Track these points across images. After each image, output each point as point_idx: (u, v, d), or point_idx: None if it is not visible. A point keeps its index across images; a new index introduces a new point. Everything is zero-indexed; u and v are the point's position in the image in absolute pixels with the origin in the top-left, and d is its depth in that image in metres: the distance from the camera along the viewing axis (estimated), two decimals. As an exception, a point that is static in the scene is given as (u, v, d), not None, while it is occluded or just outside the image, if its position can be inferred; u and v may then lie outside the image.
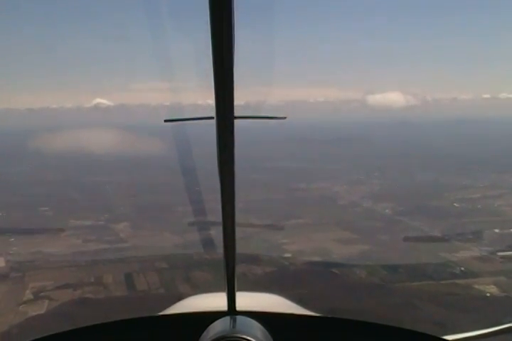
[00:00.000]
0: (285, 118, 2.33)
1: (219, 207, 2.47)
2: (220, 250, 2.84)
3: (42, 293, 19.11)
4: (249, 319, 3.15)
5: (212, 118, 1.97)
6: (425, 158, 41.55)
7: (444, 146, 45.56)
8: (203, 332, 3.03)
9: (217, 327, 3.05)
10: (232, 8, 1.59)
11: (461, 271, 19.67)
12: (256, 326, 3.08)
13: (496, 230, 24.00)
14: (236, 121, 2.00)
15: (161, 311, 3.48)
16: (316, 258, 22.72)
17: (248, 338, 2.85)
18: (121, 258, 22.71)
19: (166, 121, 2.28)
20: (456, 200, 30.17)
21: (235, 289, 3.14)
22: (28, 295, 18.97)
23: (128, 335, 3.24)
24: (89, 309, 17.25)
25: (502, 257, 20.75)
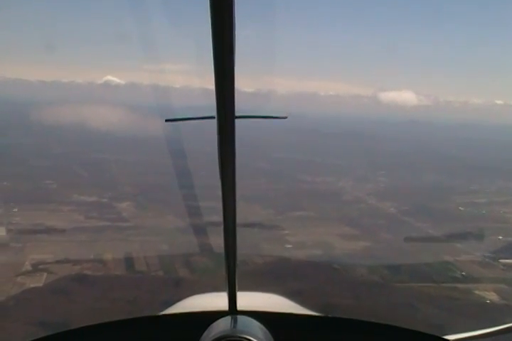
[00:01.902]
0: (286, 117, 2.33)
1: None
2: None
3: (41, 266, 19.16)
4: (250, 319, 3.16)
5: (213, 117, 1.95)
6: (433, 159, 41.37)
7: (453, 149, 45.39)
8: (203, 331, 3.04)
9: (218, 326, 3.06)
10: (233, 6, 1.55)
11: (462, 275, 19.68)
12: (257, 326, 3.09)
13: (500, 237, 23.94)
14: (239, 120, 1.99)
15: (157, 294, 3.48)
16: (317, 252, 22.73)
17: (249, 338, 2.85)
18: (122, 238, 22.76)
19: (167, 120, 2.28)
20: (462, 204, 30.04)
21: (236, 289, 3.15)
22: (27, 266, 19.00)
23: (129, 335, 3.25)
24: (87, 286, 17.29)
25: (504, 265, 20.75)
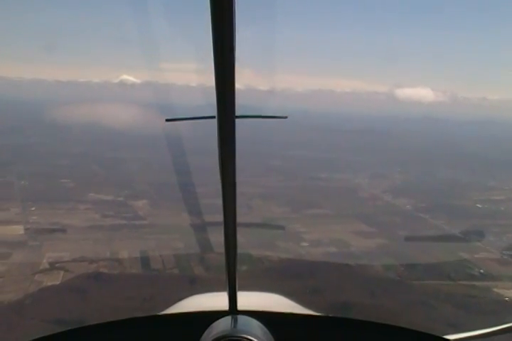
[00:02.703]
0: (286, 117, 2.29)
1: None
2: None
3: (58, 264, 19.28)
4: (250, 318, 3.16)
5: (213, 117, 1.94)
6: (450, 155, 41.04)
7: (470, 145, 44.96)
8: (204, 331, 3.04)
9: (219, 326, 3.06)
10: (233, 5, 1.54)
11: (480, 273, 19.39)
12: (257, 325, 3.09)
13: (519, 234, 23.68)
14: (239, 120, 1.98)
15: (172, 292, 3.48)
16: (333, 250, 22.60)
17: (249, 337, 2.85)
18: (138, 236, 22.86)
19: (167, 120, 2.26)
20: (479, 201, 29.71)
21: (236, 289, 3.14)
22: (45, 264, 19.16)
23: (129, 334, 3.25)
24: (103, 284, 17.36)
25: (523, 262, 20.53)
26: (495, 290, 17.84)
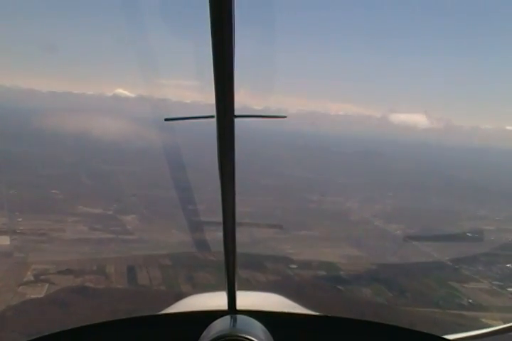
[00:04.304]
0: (285, 116, 2.28)
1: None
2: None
3: (43, 276, 19.11)
4: (249, 318, 3.13)
5: (212, 117, 1.96)
6: (442, 182, 41.18)
7: (462, 173, 45.15)
8: (203, 331, 3.01)
9: (218, 326, 3.03)
10: (232, 8, 1.56)
11: (469, 302, 19.37)
12: (256, 325, 3.06)
13: (508, 265, 23.62)
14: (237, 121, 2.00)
15: (158, 309, 3.45)
16: (322, 273, 22.49)
17: (249, 337, 2.82)
18: (126, 251, 22.67)
19: (166, 119, 2.26)
20: (470, 230, 29.68)
21: (235, 288, 3.14)
22: (29, 276, 18.95)
23: (128, 334, 3.21)
24: (88, 298, 17.21)
25: (512, 293, 20.48)
26: (483, 320, 17.73)
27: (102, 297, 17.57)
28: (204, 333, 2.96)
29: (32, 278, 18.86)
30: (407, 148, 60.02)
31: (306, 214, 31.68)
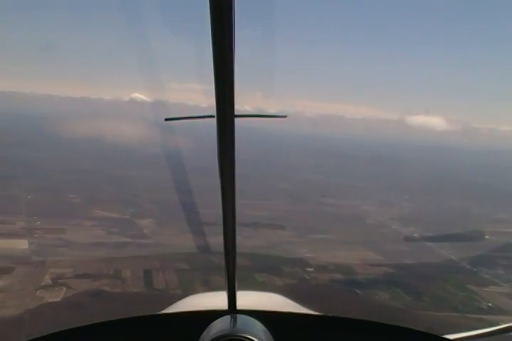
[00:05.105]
0: (285, 116, 2.27)
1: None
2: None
3: (60, 280, 19.19)
4: (249, 318, 3.13)
5: (213, 116, 1.94)
6: (460, 185, 40.82)
7: (480, 176, 44.71)
8: (203, 330, 3.00)
9: (218, 325, 3.03)
10: (232, 9, 1.55)
11: (489, 306, 19.08)
12: (257, 325, 3.05)
13: (528, 268, 23.30)
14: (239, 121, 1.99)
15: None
16: (339, 276, 22.35)
17: (249, 337, 2.82)
18: (142, 255, 22.72)
19: (166, 119, 2.26)
20: (489, 233, 29.33)
21: (236, 288, 3.14)
22: (47, 280, 19.05)
23: (129, 334, 3.22)
24: (104, 302, 17.23)
25: (533, 297, 20.17)
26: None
27: (118, 300, 17.60)
28: (204, 333, 2.96)
29: (50, 282, 18.96)
30: (424, 150, 59.61)
31: (322, 217, 31.55)
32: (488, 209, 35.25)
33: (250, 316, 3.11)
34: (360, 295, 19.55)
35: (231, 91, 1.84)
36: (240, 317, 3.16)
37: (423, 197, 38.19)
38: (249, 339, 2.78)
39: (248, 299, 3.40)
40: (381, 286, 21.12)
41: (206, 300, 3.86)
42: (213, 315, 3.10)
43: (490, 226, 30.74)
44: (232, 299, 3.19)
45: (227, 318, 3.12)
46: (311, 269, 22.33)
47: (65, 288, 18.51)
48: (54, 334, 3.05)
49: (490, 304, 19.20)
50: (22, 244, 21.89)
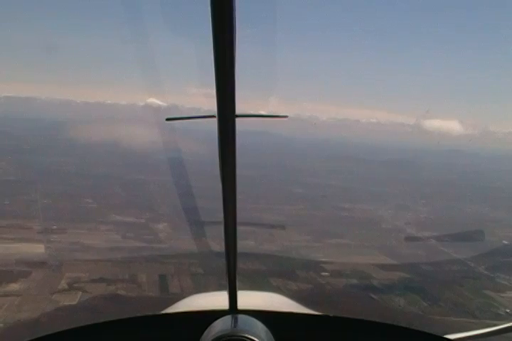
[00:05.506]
0: (287, 116, 2.27)
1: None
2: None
3: (76, 284, 19.30)
4: (250, 318, 3.15)
5: (214, 116, 1.95)
6: (477, 189, 40.42)
7: (497, 180, 44.24)
8: (204, 330, 3.03)
9: (219, 325, 3.06)
10: (233, 9, 1.56)
11: (507, 312, 18.82)
12: (257, 325, 3.08)
13: (548, 274, 22.97)
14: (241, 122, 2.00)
15: None
16: (354, 281, 22.22)
17: (250, 337, 2.84)
18: (158, 259, 22.75)
19: (167, 119, 2.27)
20: (506, 237, 28.96)
21: (237, 288, 3.16)
22: (63, 284, 19.16)
23: (130, 334, 3.24)
24: (119, 305, 17.29)
25: (552, 304, 19.84)
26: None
27: (133, 304, 17.65)
28: (205, 333, 2.99)
29: (66, 287, 19.07)
30: (441, 155, 59.12)
31: (338, 222, 31.41)
32: (504, 213, 34.87)
33: (251, 316, 3.12)
34: (376, 300, 19.42)
35: (232, 91, 1.84)
36: (240, 317, 3.18)
37: (439, 201, 37.87)
38: (250, 339, 2.80)
39: (249, 299, 3.41)
40: (397, 291, 20.95)
41: (207, 300, 3.88)
42: (214, 315, 3.13)
43: (507, 231, 30.41)
44: (233, 299, 3.20)
45: (228, 318, 3.15)
46: (327, 274, 22.24)
47: (80, 292, 18.61)
48: (54, 334, 3.07)
49: (508, 310, 18.96)
50: (38, 249, 22.02)
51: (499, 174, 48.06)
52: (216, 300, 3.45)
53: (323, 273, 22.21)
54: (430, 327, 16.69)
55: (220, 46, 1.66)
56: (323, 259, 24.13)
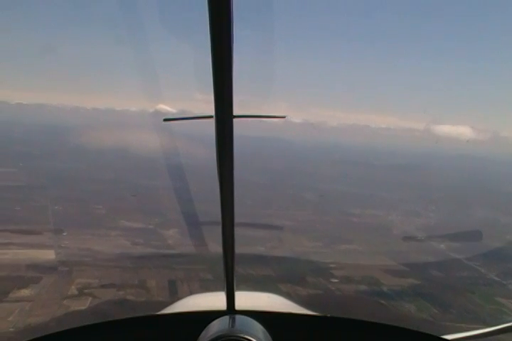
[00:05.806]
0: (285, 117, 2.27)
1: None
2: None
3: (86, 290, 19.34)
4: (248, 318, 3.20)
5: (211, 117, 1.95)
6: (488, 195, 40.15)
7: (507, 186, 43.95)
8: (202, 331, 3.05)
9: (216, 326, 3.09)
10: (230, 9, 1.55)
11: (519, 319, 18.63)
12: (255, 325, 3.11)
13: (562, 281, 22.75)
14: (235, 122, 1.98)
15: None
16: (364, 287, 22.10)
17: (247, 337, 2.85)
18: (167, 265, 22.75)
19: (165, 120, 2.32)
20: (518, 244, 28.75)
21: (234, 288, 3.25)
22: (73, 290, 19.21)
23: (127, 334, 3.26)
24: (129, 311, 17.32)
25: None
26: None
27: (143, 309, 17.65)
28: (203, 333, 2.99)
29: (76, 292, 19.13)
30: (451, 160, 58.83)
31: (347, 227, 31.30)
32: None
33: (249, 316, 3.12)
34: (386, 306, 19.30)
35: (229, 92, 1.84)
36: (238, 317, 3.19)
37: (449, 207, 37.66)
38: (247, 339, 2.80)
39: (246, 299, 3.41)
40: (407, 297, 20.83)
41: (205, 300, 3.89)
42: (212, 315, 3.14)
43: (519, 237, 30.18)
44: (230, 299, 3.21)
45: (225, 318, 3.16)
46: (336, 280, 22.14)
47: (90, 298, 18.65)
48: (54, 334, 3.07)
49: (520, 317, 18.83)
50: (49, 254, 22.11)
51: (509, 179, 47.78)
52: (214, 300, 3.46)
53: (333, 280, 22.12)
54: (441, 333, 16.55)
55: (217, 46, 1.66)
56: (333, 265, 24.04)
